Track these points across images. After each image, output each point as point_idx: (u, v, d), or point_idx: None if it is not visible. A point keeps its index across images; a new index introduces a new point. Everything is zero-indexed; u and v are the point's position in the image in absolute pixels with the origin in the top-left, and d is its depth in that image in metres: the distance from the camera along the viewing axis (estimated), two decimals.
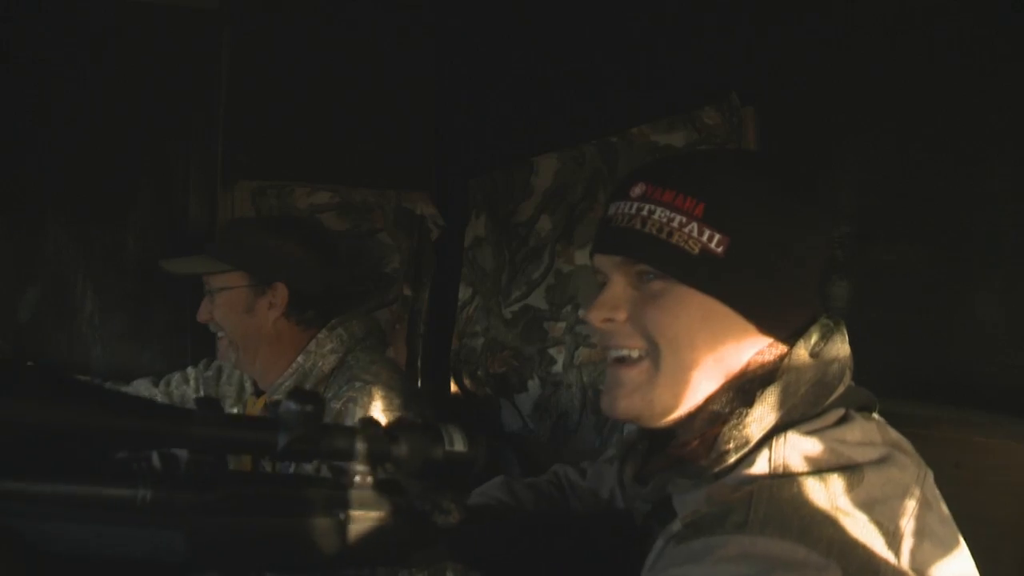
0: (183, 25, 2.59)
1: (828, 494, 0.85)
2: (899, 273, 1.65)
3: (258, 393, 2.05)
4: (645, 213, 0.98)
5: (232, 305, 1.92)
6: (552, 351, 2.34)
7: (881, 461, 0.89)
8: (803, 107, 1.82)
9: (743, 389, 0.98)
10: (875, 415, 1.01)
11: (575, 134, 2.36)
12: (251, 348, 1.93)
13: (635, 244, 0.99)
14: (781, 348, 1.00)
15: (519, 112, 2.75)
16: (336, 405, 1.83)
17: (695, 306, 0.97)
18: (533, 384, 2.38)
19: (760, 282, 0.97)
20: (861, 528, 0.83)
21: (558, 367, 2.30)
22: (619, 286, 1.02)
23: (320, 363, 1.93)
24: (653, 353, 0.99)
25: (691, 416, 1.01)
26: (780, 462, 0.89)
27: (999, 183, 1.46)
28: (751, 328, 0.98)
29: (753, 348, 1.00)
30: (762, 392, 0.94)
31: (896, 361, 1.64)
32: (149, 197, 2.61)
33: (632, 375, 1.01)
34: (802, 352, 0.97)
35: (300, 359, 1.92)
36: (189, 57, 2.63)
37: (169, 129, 2.63)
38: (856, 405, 0.99)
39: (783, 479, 0.87)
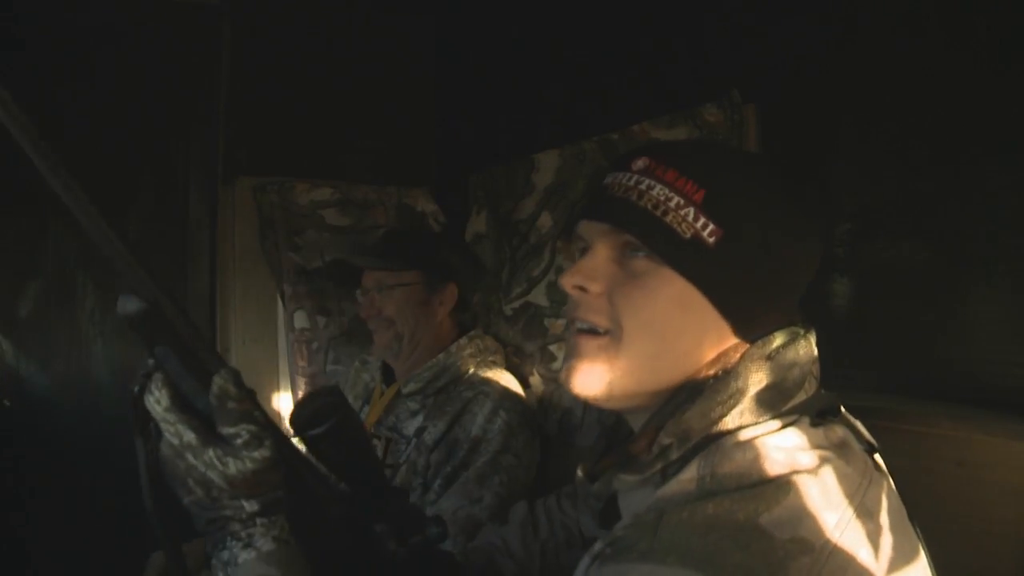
0: (183, 21, 2.59)
1: (747, 513, 0.80)
2: (900, 271, 1.65)
3: (388, 383, 2.26)
4: (644, 187, 0.96)
5: (409, 299, 2.15)
6: (553, 348, 2.34)
7: (815, 469, 0.85)
8: (804, 104, 1.82)
9: (696, 391, 0.95)
10: (834, 419, 0.99)
11: (576, 130, 2.35)
12: (416, 338, 2.16)
13: (628, 215, 0.96)
14: (739, 349, 0.98)
15: (520, 108, 2.75)
16: (469, 394, 2.06)
17: (674, 292, 0.95)
18: (535, 381, 2.38)
19: (744, 281, 0.95)
20: (780, 548, 0.78)
21: (559, 364, 2.29)
22: (600, 256, 1.00)
23: (459, 363, 2.14)
24: (618, 333, 0.97)
25: (646, 407, 0.99)
26: (708, 471, 0.86)
27: (1000, 180, 1.46)
28: (724, 325, 0.96)
29: (720, 345, 0.97)
30: (711, 389, 0.93)
31: (897, 359, 1.65)
32: (150, 193, 2.61)
33: (593, 348, 0.98)
34: (757, 354, 0.95)
35: (441, 356, 2.15)
36: (189, 53, 2.63)
37: (169, 125, 2.63)
38: (815, 411, 0.97)
39: (697, 502, 0.82)
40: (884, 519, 0.87)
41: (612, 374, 0.97)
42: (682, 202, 0.93)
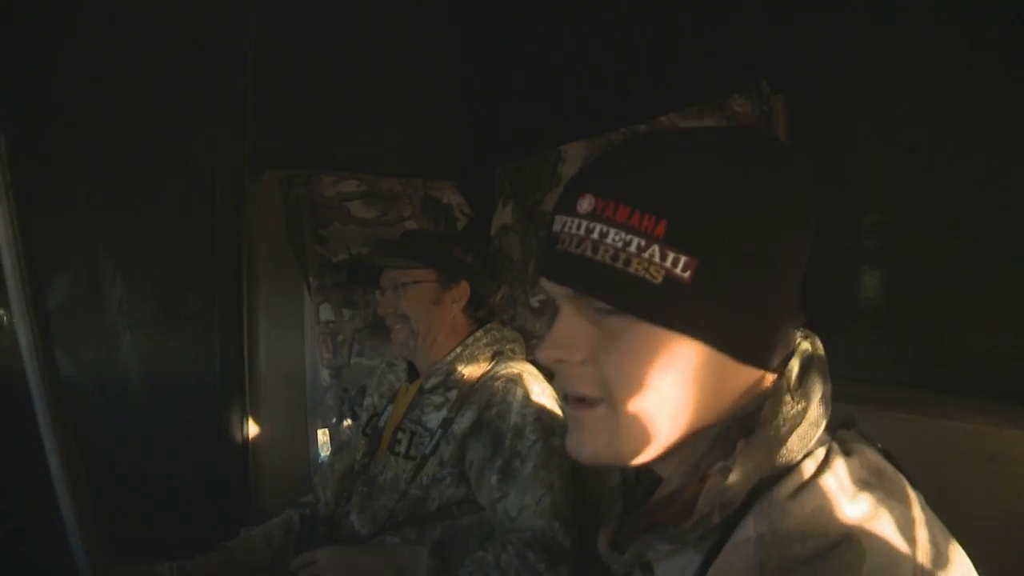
0: (210, 14, 2.60)
1: (830, 569, 0.75)
2: (931, 263, 1.63)
3: (411, 380, 2.28)
4: (596, 236, 0.82)
5: (422, 296, 2.18)
6: None
7: (873, 517, 0.78)
8: (834, 94, 1.81)
9: (722, 437, 0.85)
10: (853, 431, 0.92)
11: (603, 122, 2.34)
12: (431, 335, 2.18)
13: (586, 275, 0.83)
14: (762, 383, 0.88)
15: (546, 100, 2.74)
16: (496, 384, 2.08)
17: (660, 345, 0.83)
18: None
19: (736, 308, 0.83)
20: None
21: None
22: (572, 320, 0.89)
23: (477, 354, 2.18)
24: (612, 401, 0.85)
25: (664, 460, 0.90)
26: (767, 529, 0.79)
27: None
28: (727, 362, 0.85)
29: (731, 385, 0.87)
30: (745, 444, 0.82)
31: (929, 352, 1.63)
32: (177, 185, 2.63)
33: (592, 419, 0.88)
34: (785, 394, 0.85)
35: (459, 349, 2.18)
36: (216, 45, 2.64)
37: (196, 118, 2.63)
38: (835, 429, 0.90)
39: (774, 556, 0.77)
40: (936, 520, 0.84)
41: (619, 441, 0.86)
42: (643, 243, 0.81)
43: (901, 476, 0.86)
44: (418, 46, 2.99)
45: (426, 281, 2.18)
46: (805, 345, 0.92)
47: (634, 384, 0.84)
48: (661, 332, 0.82)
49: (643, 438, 0.86)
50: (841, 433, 0.90)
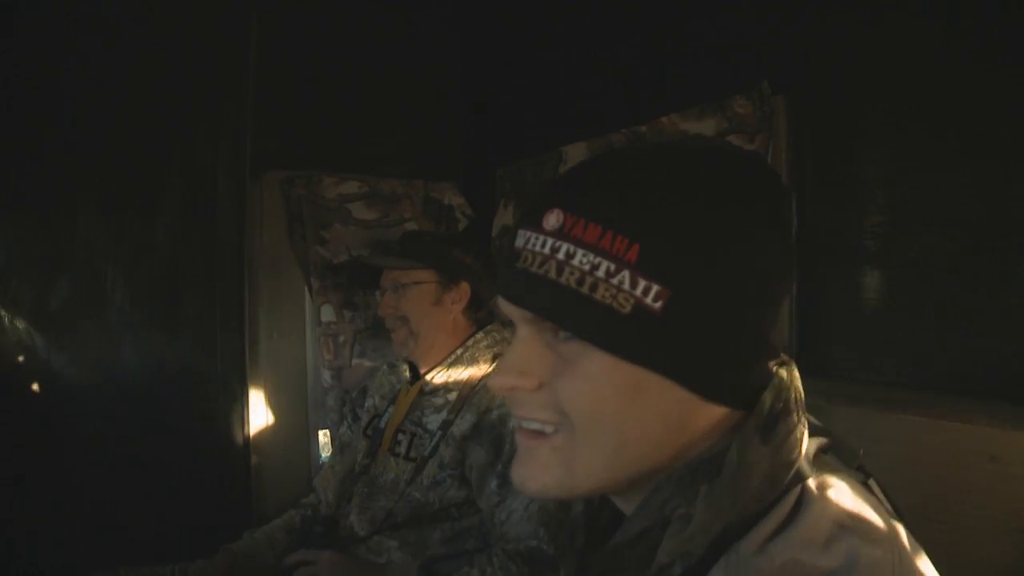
0: (211, 14, 2.60)
1: None
2: (932, 264, 1.63)
3: (412, 382, 2.26)
4: (562, 256, 0.75)
5: (423, 297, 2.17)
6: None
7: (851, 567, 0.70)
8: (835, 95, 1.80)
9: (686, 480, 0.78)
10: (829, 455, 0.85)
11: (604, 123, 2.34)
12: (430, 336, 2.18)
13: (547, 299, 0.76)
14: (730, 421, 0.80)
15: (547, 101, 2.74)
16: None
17: (622, 377, 0.75)
18: None
19: (708, 344, 0.76)
20: None
21: None
22: (528, 344, 0.81)
23: (478, 356, 2.17)
24: (568, 430, 0.79)
25: (625, 496, 0.84)
26: None
27: None
28: (695, 401, 0.77)
29: (698, 423, 0.79)
30: (709, 489, 0.75)
31: (930, 353, 1.63)
32: (178, 187, 2.62)
33: (545, 450, 0.81)
34: (754, 434, 0.77)
35: (459, 350, 2.17)
36: (217, 46, 2.64)
37: (198, 118, 2.63)
38: (811, 457, 0.81)
39: None
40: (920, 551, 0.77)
41: (572, 476, 0.80)
42: (612, 268, 0.73)
43: (882, 509, 0.78)
44: (419, 47, 2.99)
45: (426, 282, 2.17)
46: (781, 374, 0.82)
47: (592, 414, 0.77)
48: (623, 363, 0.75)
49: (597, 473, 0.79)
50: (818, 462, 0.82)
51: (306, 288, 2.75)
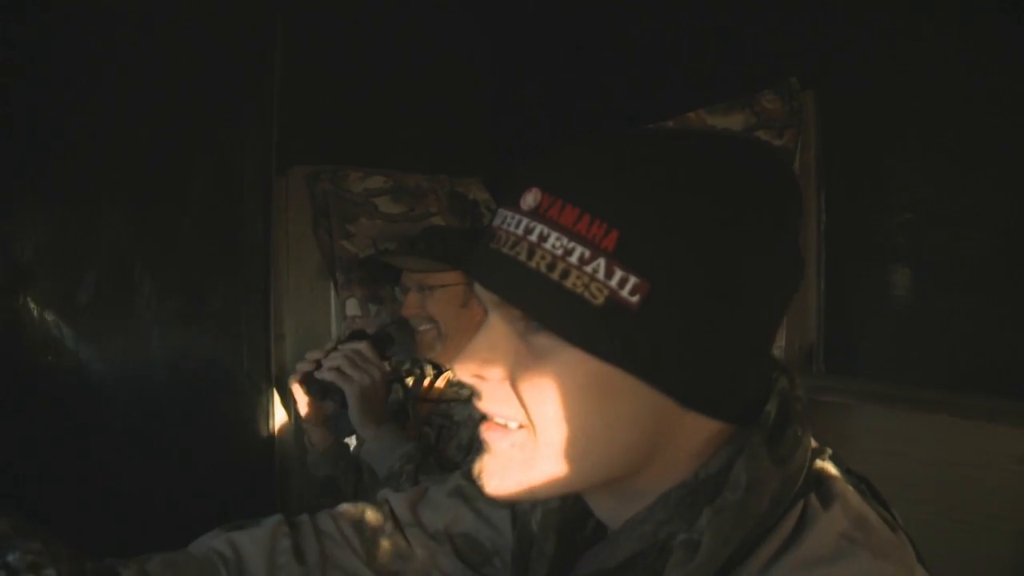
0: (238, 11, 2.61)
1: None
2: (961, 262, 1.61)
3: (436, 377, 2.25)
4: (535, 238, 0.68)
5: (450, 300, 2.13)
6: None
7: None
8: (864, 91, 1.79)
9: (685, 503, 0.72)
10: (827, 463, 0.77)
11: (630, 118, 2.33)
12: (457, 338, 2.12)
13: (515, 283, 0.69)
14: (727, 435, 0.74)
15: (573, 97, 2.73)
16: None
17: (591, 377, 0.68)
18: None
19: (691, 346, 0.68)
20: None
21: None
22: (497, 331, 0.75)
23: None
24: (531, 428, 0.73)
25: (598, 499, 0.80)
26: None
27: None
28: (673, 408, 0.70)
29: (679, 434, 0.72)
30: (715, 514, 0.68)
31: (959, 352, 1.61)
32: (204, 181, 2.63)
33: (506, 447, 0.75)
34: (761, 452, 0.70)
35: None
36: (244, 43, 2.65)
37: (223, 113, 2.64)
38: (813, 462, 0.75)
39: None
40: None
41: (533, 476, 0.73)
42: (587, 254, 0.66)
43: (883, 524, 0.72)
44: (444, 42, 2.99)
45: (453, 284, 2.15)
46: (783, 382, 0.76)
47: (555, 414, 0.70)
48: (592, 361, 0.68)
49: (560, 478, 0.72)
50: (816, 471, 0.75)
51: (331, 283, 2.76)
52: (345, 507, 1.07)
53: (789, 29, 1.93)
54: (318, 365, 1.94)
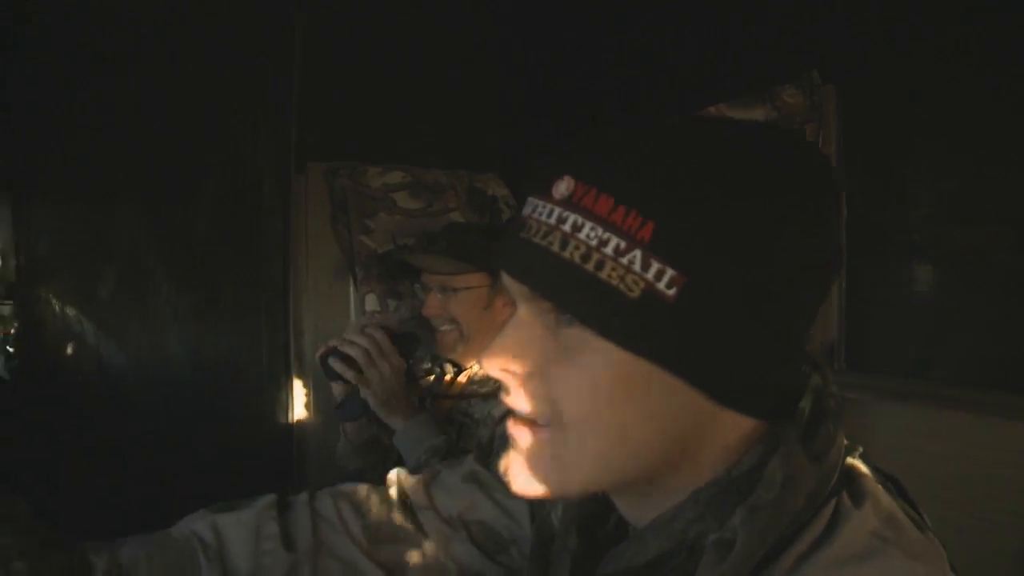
0: (256, 7, 2.61)
1: None
2: (982, 259, 1.60)
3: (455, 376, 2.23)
4: (568, 228, 0.65)
5: (473, 302, 2.08)
6: None
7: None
8: (885, 86, 1.78)
9: (716, 501, 0.70)
10: (858, 461, 0.75)
11: (650, 112, 2.33)
12: (479, 339, 2.09)
13: (548, 274, 0.66)
14: (760, 431, 0.72)
15: (592, 91, 2.73)
16: None
17: (624, 372, 0.66)
18: None
19: (729, 341, 0.65)
20: None
21: None
22: (527, 325, 0.72)
23: None
24: (560, 425, 0.70)
25: (627, 499, 0.78)
26: None
27: None
28: (709, 405, 0.68)
29: (714, 432, 0.71)
30: (749, 514, 0.67)
31: (979, 349, 1.60)
32: (222, 178, 2.65)
33: (534, 443, 0.72)
34: (797, 449, 0.69)
35: None
36: (262, 38, 2.66)
37: (243, 111, 2.65)
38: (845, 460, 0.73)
39: None
40: None
41: (561, 474, 0.71)
42: (623, 245, 0.63)
43: (912, 524, 0.70)
44: (462, 39, 2.99)
45: (476, 287, 2.10)
46: (816, 379, 0.74)
47: (586, 412, 0.68)
48: (626, 356, 0.65)
49: (589, 477, 0.70)
50: (848, 469, 0.73)
51: (350, 278, 2.77)
52: (348, 487, 1.05)
53: (810, 23, 1.92)
54: (333, 350, 1.94)
